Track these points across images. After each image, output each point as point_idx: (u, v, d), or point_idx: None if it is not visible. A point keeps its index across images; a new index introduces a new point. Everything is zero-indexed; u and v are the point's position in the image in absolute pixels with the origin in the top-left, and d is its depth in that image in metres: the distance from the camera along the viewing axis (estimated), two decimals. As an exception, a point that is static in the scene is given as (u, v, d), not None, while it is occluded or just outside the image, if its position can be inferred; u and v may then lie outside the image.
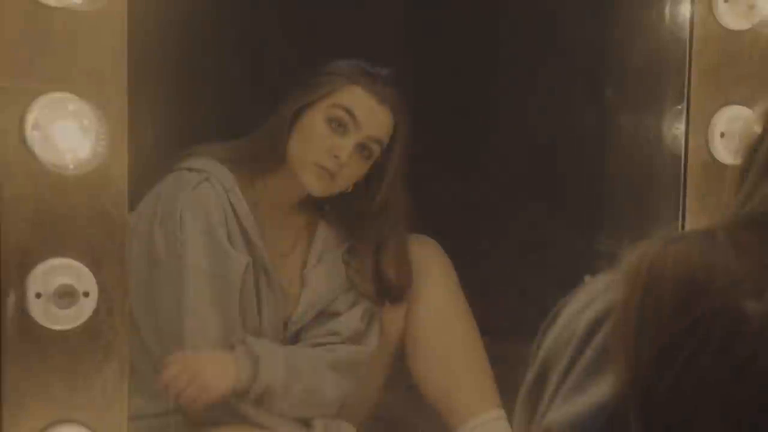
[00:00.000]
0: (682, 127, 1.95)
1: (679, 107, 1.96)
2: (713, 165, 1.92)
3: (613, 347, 0.88)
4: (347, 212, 2.18)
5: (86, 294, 1.49)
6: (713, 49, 1.90)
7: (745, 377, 0.83)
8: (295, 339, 2.17)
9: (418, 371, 2.23)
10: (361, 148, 2.07)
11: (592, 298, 0.93)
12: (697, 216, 1.92)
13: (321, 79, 2.09)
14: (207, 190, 2.03)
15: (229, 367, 1.99)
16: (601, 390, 0.88)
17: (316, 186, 2.07)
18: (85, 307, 1.49)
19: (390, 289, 2.18)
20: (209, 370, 1.98)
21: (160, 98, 2.00)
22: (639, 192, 2.16)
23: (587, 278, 0.99)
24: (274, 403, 2.03)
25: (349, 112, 2.06)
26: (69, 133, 1.45)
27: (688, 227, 1.90)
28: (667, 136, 2.02)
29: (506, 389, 2.15)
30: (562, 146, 2.50)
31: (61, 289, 1.47)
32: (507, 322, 2.29)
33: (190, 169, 2.05)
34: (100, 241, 1.51)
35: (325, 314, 2.17)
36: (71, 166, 1.45)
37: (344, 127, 2.06)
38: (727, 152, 1.91)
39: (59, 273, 1.48)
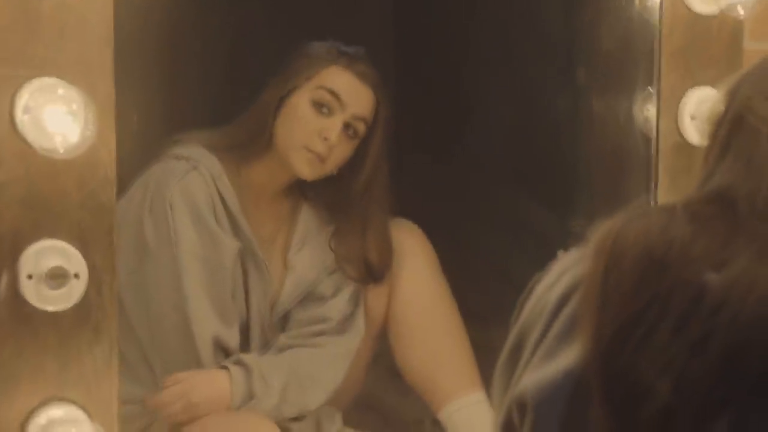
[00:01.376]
0: (652, 109, 1.97)
1: (650, 89, 1.99)
2: (684, 146, 1.94)
3: (580, 318, 0.93)
4: (331, 195, 2.20)
5: (76, 275, 1.51)
6: (682, 33, 1.93)
7: (700, 355, 0.86)
8: (282, 323, 2.20)
9: (400, 354, 2.26)
10: (347, 127, 2.10)
11: (563, 271, 0.99)
12: (668, 196, 1.94)
13: (300, 63, 2.11)
14: (196, 179, 2.05)
15: (224, 393, 2.03)
16: (569, 357, 0.92)
17: (306, 170, 2.09)
18: (76, 289, 1.51)
19: (372, 271, 2.20)
20: (204, 394, 2.02)
21: (147, 84, 2.02)
22: (612, 173, 2.18)
23: (560, 253, 1.04)
24: (267, 411, 2.06)
25: (333, 93, 2.09)
26: (58, 118, 1.46)
27: None
28: (638, 118, 2.04)
29: (488, 373, 2.18)
30: (536, 129, 2.51)
31: (52, 270, 1.49)
32: (485, 305, 2.33)
33: (178, 158, 2.07)
34: (89, 224, 1.53)
35: (310, 298, 2.20)
36: (61, 150, 1.47)
37: (330, 108, 2.09)
38: (697, 133, 1.93)
39: (50, 255, 1.50)
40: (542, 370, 0.94)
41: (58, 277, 1.50)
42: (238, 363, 2.06)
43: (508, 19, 2.56)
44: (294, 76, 2.10)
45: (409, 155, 2.68)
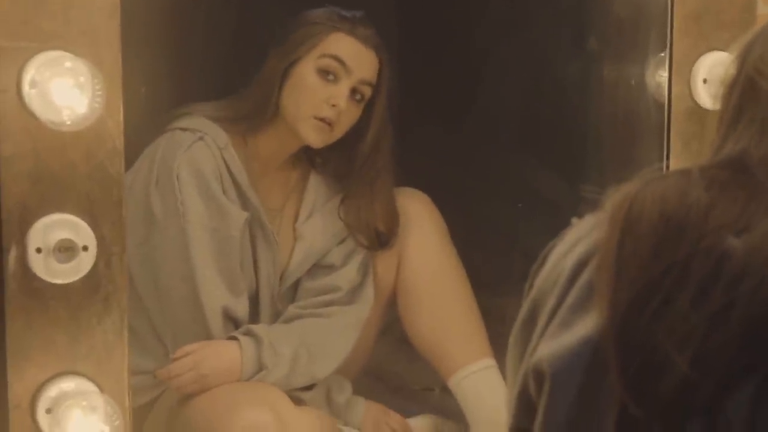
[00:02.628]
0: (665, 74, 1.97)
1: (662, 54, 1.98)
2: (696, 111, 1.94)
3: (596, 286, 0.91)
4: (339, 162, 2.21)
5: (85, 248, 1.52)
6: None
7: (721, 325, 0.84)
8: (292, 293, 2.21)
9: (409, 322, 2.26)
10: (354, 92, 2.11)
11: (578, 238, 0.97)
12: (681, 161, 1.94)
13: (301, 32, 2.11)
14: (201, 149, 2.06)
15: (234, 363, 2.04)
16: (586, 325, 0.91)
17: (316, 138, 2.10)
18: (84, 261, 1.52)
19: (381, 237, 2.21)
20: (213, 365, 2.03)
21: (154, 55, 2.01)
22: (624, 139, 2.18)
23: (574, 220, 1.02)
24: (277, 381, 2.07)
25: (338, 59, 2.09)
26: (65, 90, 1.47)
27: None
28: (651, 84, 2.04)
29: (498, 341, 2.18)
30: (547, 95, 2.50)
31: (60, 243, 1.50)
32: (495, 273, 2.34)
33: (183, 129, 2.08)
34: (97, 196, 1.54)
35: (319, 267, 2.21)
36: (68, 123, 1.47)
37: (336, 75, 2.09)
38: (709, 98, 1.93)
39: (58, 228, 1.51)
40: (559, 339, 0.93)
41: (66, 250, 1.50)
42: (248, 333, 2.07)
43: None
44: (297, 46, 2.10)
45: (416, 124, 2.67)
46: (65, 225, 1.51)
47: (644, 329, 0.86)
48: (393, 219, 2.21)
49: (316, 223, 2.21)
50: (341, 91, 2.08)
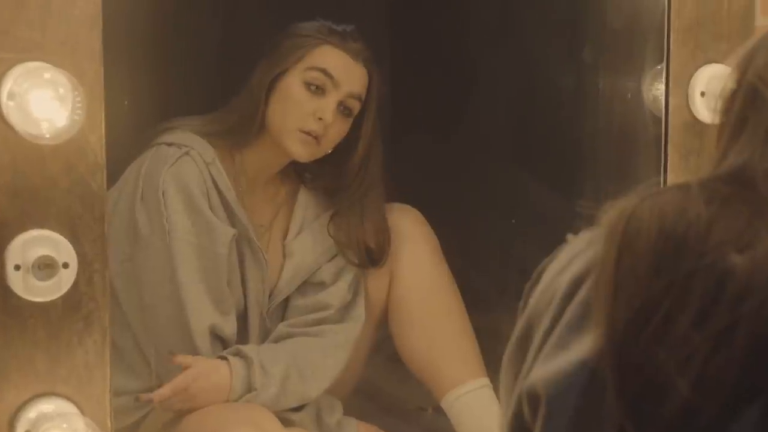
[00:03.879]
0: (661, 86, 1.96)
1: (659, 67, 1.97)
2: (694, 124, 1.93)
3: (592, 305, 0.89)
4: (328, 178, 2.20)
5: (65, 265, 1.50)
6: (692, 7, 1.91)
7: (724, 347, 0.82)
8: (281, 311, 2.19)
9: (402, 340, 2.24)
10: (342, 106, 2.09)
11: (574, 256, 0.95)
12: (678, 176, 1.93)
13: (289, 43, 2.10)
14: (188, 165, 2.04)
15: (223, 384, 2.02)
16: (583, 346, 0.88)
17: (302, 152, 2.08)
18: (65, 279, 1.50)
19: (372, 255, 2.20)
20: (203, 385, 2.01)
21: (137, 66, 1.99)
22: (620, 153, 2.17)
23: (569, 236, 1.00)
24: (266, 401, 2.05)
25: (325, 72, 2.08)
26: (45, 102, 1.45)
27: None
28: (647, 96, 2.03)
29: (491, 359, 2.16)
30: (541, 108, 2.49)
31: (40, 260, 1.48)
32: (488, 289, 2.31)
33: (169, 144, 2.06)
34: (78, 211, 1.52)
35: (309, 284, 2.20)
36: (48, 136, 1.45)
37: (323, 88, 2.08)
38: (707, 111, 1.92)
39: (38, 244, 1.49)
40: (555, 361, 0.91)
41: (46, 267, 1.49)
42: (238, 354, 2.05)
43: None
44: (284, 58, 2.09)
45: (407, 135, 2.67)
46: (45, 241, 1.50)
47: (643, 350, 0.84)
48: (384, 236, 2.20)
49: (305, 239, 2.19)
50: (328, 104, 2.07)
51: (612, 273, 0.87)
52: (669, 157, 1.93)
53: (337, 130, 2.10)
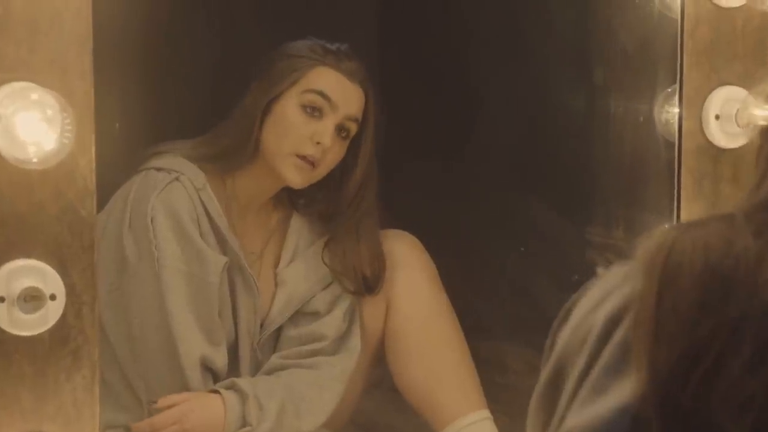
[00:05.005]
0: (674, 109, 1.94)
1: (671, 89, 1.96)
2: (709, 149, 1.90)
3: (633, 345, 0.84)
4: (322, 203, 2.17)
5: (53, 297, 1.47)
6: (706, 28, 1.89)
7: None
8: (273, 342, 2.16)
9: (399, 371, 2.21)
10: (339, 129, 2.07)
11: (608, 292, 0.90)
12: (693, 202, 1.90)
13: (282, 65, 2.07)
14: (177, 190, 2.02)
15: (217, 419, 1.99)
16: (623, 391, 0.84)
17: (296, 178, 2.05)
18: (52, 311, 1.47)
19: (367, 283, 2.17)
20: (196, 421, 1.98)
21: (129, 87, 1.98)
22: (631, 179, 2.15)
23: (600, 270, 0.97)
24: None
25: (323, 95, 2.05)
26: (32, 125, 1.42)
27: (683, 215, 1.89)
28: (660, 120, 2.01)
29: (500, 390, 2.15)
30: (549, 132, 2.48)
31: (26, 292, 1.45)
32: (496, 319, 2.28)
33: (158, 169, 2.03)
34: (66, 240, 1.49)
35: (302, 314, 2.16)
36: (35, 160, 1.43)
37: (320, 111, 2.05)
38: (722, 135, 1.89)
39: (24, 275, 1.47)
40: (592, 407, 0.86)
41: (32, 299, 1.46)
42: (232, 387, 2.02)
43: (519, 13, 2.52)
44: (278, 81, 2.06)
45: (410, 161, 2.64)
46: (31, 272, 1.47)
47: (691, 396, 0.78)
48: (379, 263, 2.17)
49: (298, 267, 2.16)
50: (326, 127, 2.04)
51: (652, 311, 0.82)
52: (682, 183, 1.90)
53: (334, 154, 2.08)
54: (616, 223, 2.20)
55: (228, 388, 2.01)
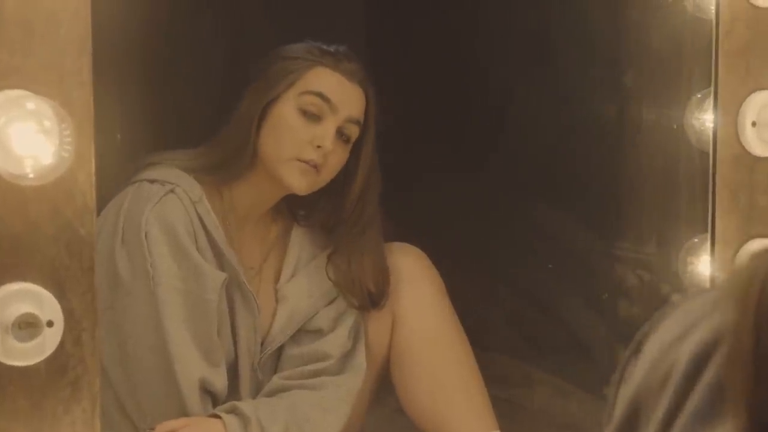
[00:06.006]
0: (709, 116, 1.91)
1: (699, 95, 1.94)
2: (744, 157, 1.86)
3: (727, 387, 0.76)
4: (324, 212, 2.14)
5: (50, 323, 1.42)
6: (742, 29, 1.85)
7: None
8: (274, 361, 2.13)
9: (405, 390, 2.19)
10: (340, 133, 2.04)
11: (692, 324, 0.83)
12: (728, 215, 1.86)
13: (277, 67, 2.05)
14: (173, 203, 1.99)
15: None
16: None
17: (301, 184, 2.02)
18: (49, 339, 1.42)
19: (372, 297, 2.13)
20: None
21: (131, 95, 1.94)
22: (664, 190, 2.14)
23: (676, 297, 0.92)
24: None
25: (322, 96, 2.03)
26: (28, 137, 1.37)
27: (718, 228, 1.84)
28: (693, 127, 1.98)
29: (525, 413, 2.13)
30: (577, 140, 2.47)
31: (21, 318, 1.40)
32: (519, 339, 2.24)
33: (152, 181, 2.00)
34: (64, 262, 1.44)
35: (305, 332, 2.13)
36: (31, 175, 1.37)
37: (319, 114, 2.03)
38: (759, 143, 1.85)
39: (19, 300, 1.41)
40: None
41: (28, 326, 1.41)
42: (233, 411, 1.99)
43: (547, 15, 2.50)
44: (274, 84, 2.04)
45: (429, 170, 2.64)
46: (26, 296, 1.42)
47: None
48: (383, 275, 2.13)
49: (300, 282, 2.13)
50: (327, 130, 2.02)
51: (750, 349, 0.75)
52: (717, 194, 1.86)
53: (337, 159, 2.05)
54: (648, 237, 2.19)
55: (229, 411, 1.98)
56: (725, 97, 1.86)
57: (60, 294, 1.43)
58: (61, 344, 1.43)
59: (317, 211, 2.14)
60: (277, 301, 2.12)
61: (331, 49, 2.06)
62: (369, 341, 2.17)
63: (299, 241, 2.14)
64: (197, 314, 1.97)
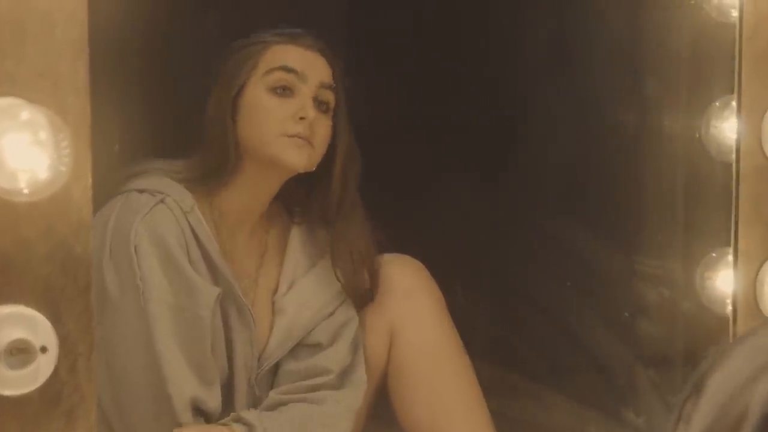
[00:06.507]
0: (731, 125, 1.89)
1: (726, 102, 1.91)
2: None
3: None
4: (319, 205, 2.13)
5: (44, 349, 1.36)
6: (766, 34, 1.82)
7: None
8: (271, 376, 2.12)
9: (403, 407, 2.17)
10: (318, 101, 2.05)
11: (765, 364, 0.80)
12: (752, 229, 1.84)
13: (236, 58, 2.06)
14: (163, 214, 1.98)
15: None
16: None
17: (298, 157, 2.01)
18: (43, 366, 1.36)
19: (364, 296, 2.15)
20: None
21: (131, 104, 1.90)
22: (685, 202, 2.14)
23: (741, 336, 0.85)
24: None
25: (287, 69, 2.04)
26: (21, 149, 1.30)
27: (741, 243, 1.82)
28: (714, 136, 1.96)
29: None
30: (596, 150, 2.45)
31: (13, 344, 1.34)
32: (537, 361, 2.24)
33: (141, 191, 1.99)
34: (59, 282, 1.38)
35: (303, 346, 2.12)
36: (26, 191, 1.31)
37: (291, 88, 2.04)
38: None
39: (10, 324, 1.35)
40: None
41: (20, 352, 1.35)
42: (240, 421, 1.99)
43: (563, 20, 2.49)
44: (236, 72, 2.04)
45: (440, 181, 2.62)
46: (19, 320, 1.35)
47: None
48: (371, 262, 2.14)
49: (299, 294, 2.12)
50: (304, 100, 2.03)
51: None
52: (740, 207, 1.83)
53: (324, 128, 2.05)
54: (670, 252, 2.17)
55: (235, 421, 1.98)
56: (748, 105, 1.83)
57: (54, 317, 1.37)
58: (56, 371, 1.36)
59: (313, 202, 2.12)
60: (274, 312, 2.11)
61: (287, 31, 2.08)
62: (367, 354, 2.15)
63: (298, 244, 2.14)
64: (190, 331, 1.96)
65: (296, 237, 2.15)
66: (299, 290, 2.12)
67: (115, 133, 1.86)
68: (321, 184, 2.11)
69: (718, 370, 0.84)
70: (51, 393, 1.38)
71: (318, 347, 2.10)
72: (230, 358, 2.05)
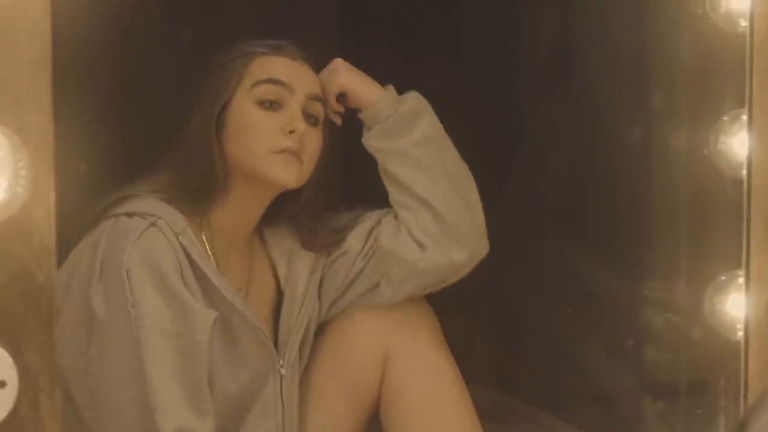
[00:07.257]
0: (742, 140, 1.86)
1: (735, 116, 1.89)
2: None
3: None
4: (289, 201, 2.13)
5: (2, 384, 1.32)
6: None
7: None
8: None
9: None
10: (307, 114, 2.04)
11: None
12: (765, 249, 1.79)
13: (218, 72, 2.04)
14: (156, 237, 1.95)
15: None
16: None
17: (287, 174, 2.00)
18: (3, 401, 1.31)
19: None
20: None
21: (97, 121, 1.88)
22: (694, 222, 2.11)
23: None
24: None
25: (274, 81, 2.02)
26: None
27: (754, 264, 1.78)
28: (725, 152, 1.93)
29: None
30: (600, 167, 2.44)
31: None
32: (539, 390, 2.20)
33: (130, 215, 1.96)
34: (19, 312, 1.33)
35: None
36: None
37: (279, 101, 2.02)
38: None
39: None
40: None
41: None
42: None
43: (566, 31, 2.48)
44: (221, 87, 2.02)
45: None
46: None
47: None
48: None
49: (296, 279, 2.15)
50: (291, 114, 2.01)
51: None
52: (752, 226, 1.79)
53: (314, 143, 2.04)
54: (677, 274, 2.14)
55: None
56: (760, 119, 1.79)
57: (14, 350, 1.32)
58: (15, 407, 1.32)
59: (284, 209, 2.12)
60: (274, 328, 2.10)
61: (269, 42, 2.07)
62: (357, 391, 2.14)
63: (276, 245, 2.14)
64: (185, 358, 1.93)
65: (271, 238, 2.15)
66: (294, 277, 2.13)
67: (80, 153, 1.82)
68: (293, 192, 2.10)
69: (764, 409, 0.83)
70: (11, 430, 1.32)
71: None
72: (244, 378, 2.04)
